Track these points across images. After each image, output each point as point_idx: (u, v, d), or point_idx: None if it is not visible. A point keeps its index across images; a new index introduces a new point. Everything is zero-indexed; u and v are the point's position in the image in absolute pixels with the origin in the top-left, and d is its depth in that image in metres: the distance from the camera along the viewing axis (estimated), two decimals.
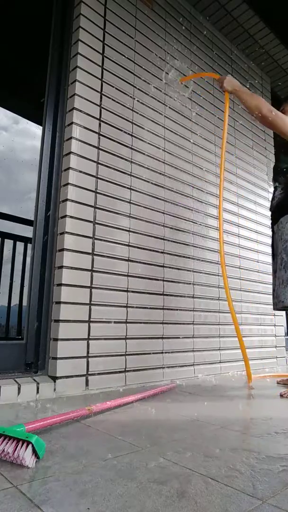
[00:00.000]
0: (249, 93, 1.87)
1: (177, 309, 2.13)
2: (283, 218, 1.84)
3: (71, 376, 1.57)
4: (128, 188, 1.97)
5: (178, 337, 2.11)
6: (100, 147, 1.86)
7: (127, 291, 1.86)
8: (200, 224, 2.41)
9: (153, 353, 1.95)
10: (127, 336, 1.83)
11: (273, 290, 1.89)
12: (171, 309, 2.10)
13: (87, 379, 1.63)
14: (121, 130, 1.99)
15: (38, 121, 2.95)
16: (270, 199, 2.04)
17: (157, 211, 2.12)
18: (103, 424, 1.12)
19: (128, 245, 1.91)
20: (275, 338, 2.94)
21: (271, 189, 3.26)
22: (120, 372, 1.77)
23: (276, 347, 2.94)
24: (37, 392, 1.47)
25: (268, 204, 3.16)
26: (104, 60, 1.96)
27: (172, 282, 2.13)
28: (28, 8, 2.35)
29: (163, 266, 2.09)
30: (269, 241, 3.06)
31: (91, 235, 1.75)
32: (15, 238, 3.05)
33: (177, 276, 2.17)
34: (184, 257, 2.24)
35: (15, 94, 3.09)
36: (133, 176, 2.01)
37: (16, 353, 1.60)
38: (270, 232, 3.09)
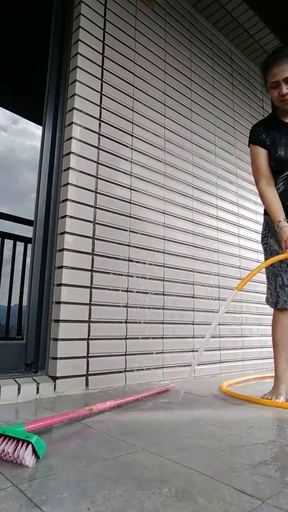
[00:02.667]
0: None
1: (177, 309, 2.13)
2: None
3: (71, 376, 1.57)
4: (128, 188, 1.97)
5: (178, 337, 2.11)
6: (100, 147, 1.86)
7: (127, 291, 1.86)
8: (200, 224, 2.41)
9: (153, 353, 1.95)
10: (127, 336, 1.83)
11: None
12: (171, 309, 2.10)
13: (87, 379, 1.62)
14: (121, 130, 1.99)
15: (38, 121, 2.95)
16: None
17: (157, 211, 2.12)
18: (103, 424, 1.12)
19: (128, 245, 1.91)
20: None
21: None
22: (120, 372, 1.77)
23: None
24: (37, 392, 1.47)
25: None
26: (104, 60, 1.96)
27: (172, 282, 2.13)
28: (28, 8, 2.35)
29: (163, 266, 2.09)
30: None
31: (91, 235, 1.75)
32: (15, 238, 3.05)
33: (177, 276, 2.17)
34: (184, 257, 2.24)
35: (15, 94, 3.09)
36: (133, 176, 2.01)
37: (16, 353, 1.60)
38: None
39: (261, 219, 3.01)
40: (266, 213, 1.75)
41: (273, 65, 1.52)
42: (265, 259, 1.72)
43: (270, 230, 1.71)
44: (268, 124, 1.69)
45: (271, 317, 3.02)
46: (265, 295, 1.77)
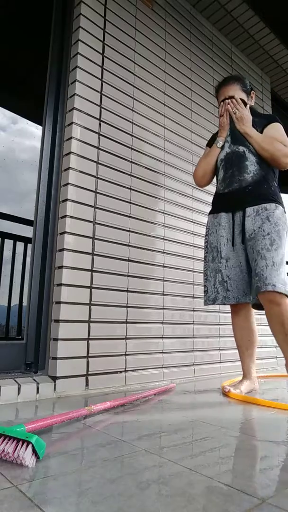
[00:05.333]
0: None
1: (177, 309, 2.13)
2: (267, 204, 1.60)
3: (71, 376, 1.57)
4: (128, 188, 1.97)
5: (178, 337, 2.11)
6: (100, 147, 1.86)
7: (127, 291, 1.86)
8: (200, 224, 2.41)
9: (153, 353, 1.95)
10: (127, 336, 1.83)
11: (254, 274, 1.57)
12: (171, 309, 2.09)
13: (87, 379, 1.63)
14: (121, 130, 1.99)
15: (38, 121, 2.95)
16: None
17: (157, 211, 2.12)
18: (103, 424, 1.12)
19: (128, 245, 1.91)
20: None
21: None
22: (120, 372, 1.77)
23: (276, 347, 2.94)
24: (37, 392, 1.47)
25: None
26: (104, 60, 1.96)
27: (172, 282, 2.13)
28: (28, 8, 2.35)
29: (163, 266, 2.09)
30: None
31: (91, 235, 1.75)
32: (15, 238, 3.05)
33: (177, 276, 2.17)
34: (184, 257, 2.24)
35: (15, 94, 3.09)
36: (133, 176, 2.01)
37: (16, 353, 1.60)
38: None
39: None
40: (209, 213, 1.82)
41: (221, 87, 1.83)
42: (205, 257, 1.77)
43: (210, 228, 1.77)
44: None
45: None
46: None
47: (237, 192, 1.67)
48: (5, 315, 2.93)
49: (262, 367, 2.72)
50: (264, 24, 2.87)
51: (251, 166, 1.67)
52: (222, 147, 1.80)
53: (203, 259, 1.83)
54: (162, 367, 1.98)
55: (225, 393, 1.64)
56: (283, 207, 1.66)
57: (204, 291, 1.75)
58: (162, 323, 2.03)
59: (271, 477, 0.75)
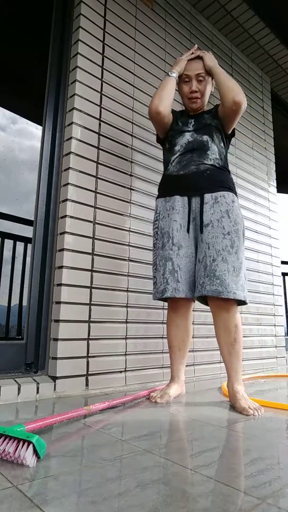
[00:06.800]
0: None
1: None
2: (225, 193, 1.52)
3: (71, 376, 1.57)
4: (128, 188, 1.97)
5: None
6: (100, 147, 1.86)
7: (127, 291, 1.86)
8: None
9: (153, 353, 1.95)
10: (127, 336, 1.83)
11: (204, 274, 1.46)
12: None
13: (87, 379, 1.63)
14: (121, 130, 1.99)
15: (38, 121, 2.95)
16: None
17: None
18: (103, 424, 1.12)
19: (128, 245, 1.91)
20: (275, 338, 2.94)
21: (271, 189, 3.26)
22: (120, 372, 1.77)
23: (276, 347, 2.94)
24: (37, 392, 1.47)
25: (268, 204, 3.16)
26: (104, 60, 1.96)
27: None
28: (28, 8, 2.35)
29: None
30: (268, 240, 3.07)
31: (91, 235, 1.75)
32: (15, 238, 3.05)
33: None
34: None
35: (15, 94, 3.09)
36: (133, 176, 2.01)
37: (16, 353, 1.60)
38: (268, 231, 3.09)
39: (261, 219, 3.02)
40: (158, 197, 1.66)
41: (191, 61, 1.66)
42: (154, 244, 1.60)
43: (161, 213, 1.60)
44: (180, 113, 1.74)
45: (271, 317, 3.00)
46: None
47: (194, 175, 1.55)
48: (5, 315, 2.93)
49: (262, 367, 2.72)
50: (264, 24, 2.87)
51: (212, 155, 1.58)
52: (182, 135, 1.63)
53: (152, 247, 1.65)
54: (162, 367, 1.98)
55: (224, 394, 1.64)
56: (238, 198, 1.59)
57: (154, 283, 1.57)
58: (162, 323, 2.03)
59: (271, 477, 0.75)
